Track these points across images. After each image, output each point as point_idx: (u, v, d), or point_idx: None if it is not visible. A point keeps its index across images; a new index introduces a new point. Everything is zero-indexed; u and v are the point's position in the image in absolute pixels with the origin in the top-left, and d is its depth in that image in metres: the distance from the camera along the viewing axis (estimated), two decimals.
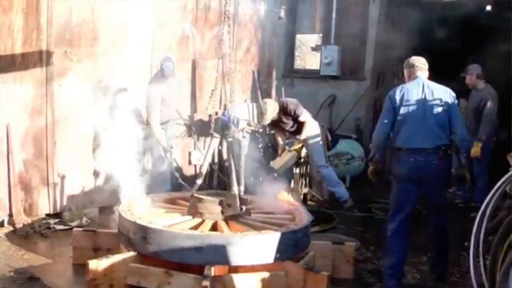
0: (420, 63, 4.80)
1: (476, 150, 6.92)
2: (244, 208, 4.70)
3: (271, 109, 6.90)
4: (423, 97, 4.65)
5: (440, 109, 4.65)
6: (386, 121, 4.72)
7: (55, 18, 5.99)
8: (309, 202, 7.85)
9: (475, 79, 7.23)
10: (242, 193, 4.87)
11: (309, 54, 14.03)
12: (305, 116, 7.04)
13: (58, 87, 6.05)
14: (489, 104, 7.04)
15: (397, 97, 4.66)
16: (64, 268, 4.74)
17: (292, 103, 7.03)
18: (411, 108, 4.65)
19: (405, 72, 4.86)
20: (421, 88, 4.67)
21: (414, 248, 5.69)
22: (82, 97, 6.19)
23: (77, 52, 6.18)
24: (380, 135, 4.75)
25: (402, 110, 4.65)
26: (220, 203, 4.63)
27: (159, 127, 6.45)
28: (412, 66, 4.80)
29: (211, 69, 7.54)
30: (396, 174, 4.77)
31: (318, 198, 8.03)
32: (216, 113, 6.77)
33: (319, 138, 7.18)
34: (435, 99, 4.66)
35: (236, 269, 4.30)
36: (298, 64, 13.44)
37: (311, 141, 7.11)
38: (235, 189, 4.72)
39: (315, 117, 8.64)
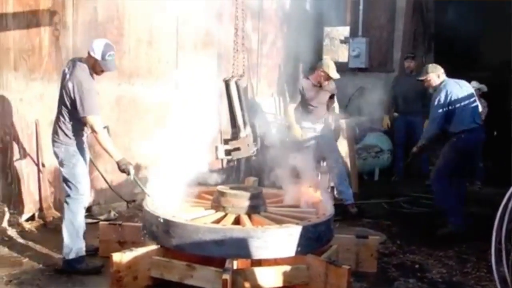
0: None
1: None
2: (255, 150, 4.86)
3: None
4: (461, 94, 6.01)
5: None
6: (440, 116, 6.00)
7: (81, 16, 6.12)
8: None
9: None
10: (248, 135, 4.92)
11: (342, 47, 13.95)
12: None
13: None
14: None
15: (446, 97, 5.96)
16: (91, 260, 4.83)
17: None
18: (457, 104, 5.97)
19: (434, 75, 6.16)
20: (458, 86, 6.07)
21: (439, 243, 5.68)
22: (108, 94, 6.31)
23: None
24: (437, 126, 6.05)
25: (451, 106, 5.95)
26: (226, 143, 4.95)
27: (106, 134, 4.81)
28: (440, 70, 6.19)
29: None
30: (459, 148, 5.99)
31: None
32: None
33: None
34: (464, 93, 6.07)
35: (258, 263, 4.34)
36: (331, 57, 13.36)
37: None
38: (242, 133, 4.79)
39: (344, 109, 8.65)
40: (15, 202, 5.77)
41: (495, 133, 9.29)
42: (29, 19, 5.76)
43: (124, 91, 6.61)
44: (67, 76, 4.67)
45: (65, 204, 4.76)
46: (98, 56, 4.65)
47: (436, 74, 6.11)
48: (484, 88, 8.42)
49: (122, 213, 6.42)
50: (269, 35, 8.34)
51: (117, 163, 4.69)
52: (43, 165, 5.88)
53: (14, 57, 5.71)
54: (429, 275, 4.87)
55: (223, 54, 7.57)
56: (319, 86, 6.82)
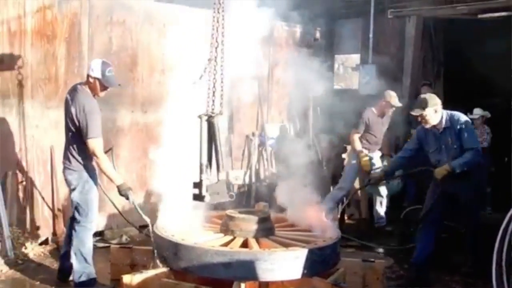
0: None
1: None
2: (234, 195, 4.47)
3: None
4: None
5: None
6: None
7: (96, 46, 6.33)
8: (347, 221, 7.88)
9: None
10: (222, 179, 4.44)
11: (355, 75, 14.13)
12: None
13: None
14: None
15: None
16: (103, 283, 4.93)
17: None
18: None
19: (432, 110, 5.33)
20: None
21: (447, 267, 5.68)
22: (122, 121, 6.48)
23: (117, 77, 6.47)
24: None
25: None
26: (207, 189, 4.34)
27: (107, 158, 4.90)
28: (437, 102, 5.41)
29: (248, 90, 7.75)
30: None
31: (356, 217, 8.05)
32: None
33: None
34: None
35: (266, 285, 4.41)
36: (345, 84, 13.54)
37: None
38: (221, 175, 4.39)
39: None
40: (29, 226, 5.91)
41: (506, 159, 9.28)
42: (46, 49, 6.00)
43: (137, 118, 6.77)
44: (70, 103, 4.75)
45: (73, 231, 4.84)
46: (98, 75, 4.73)
47: (433, 109, 5.34)
48: (487, 114, 8.49)
49: (134, 237, 6.52)
50: (280, 63, 8.50)
51: (118, 188, 4.80)
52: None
53: (32, 85, 5.93)
54: None
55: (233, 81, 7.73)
56: (382, 116, 7.32)
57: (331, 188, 7.65)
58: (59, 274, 5.12)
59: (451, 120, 5.36)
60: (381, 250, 6.44)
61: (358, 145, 7.28)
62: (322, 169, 8.09)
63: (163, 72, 6.99)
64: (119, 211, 5.70)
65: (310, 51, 8.99)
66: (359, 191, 7.91)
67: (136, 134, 6.82)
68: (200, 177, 4.28)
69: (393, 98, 7.22)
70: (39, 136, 5.99)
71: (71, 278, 4.95)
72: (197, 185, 4.32)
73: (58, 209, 6.08)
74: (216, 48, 4.25)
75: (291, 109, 8.69)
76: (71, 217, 4.99)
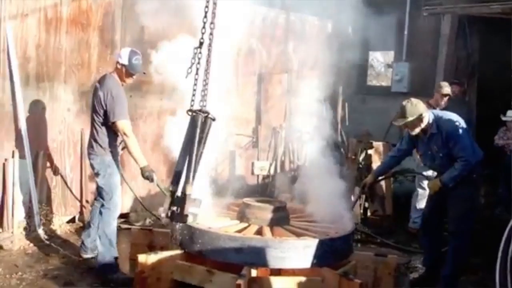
0: None
1: None
2: (193, 216, 3.74)
3: None
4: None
5: None
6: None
7: (129, 35, 6.54)
8: (371, 217, 7.90)
9: None
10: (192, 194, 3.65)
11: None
12: None
13: (129, 98, 6.54)
14: None
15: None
16: (122, 262, 5.13)
17: None
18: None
19: (416, 119, 4.91)
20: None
21: (464, 268, 5.66)
22: (152, 107, 6.68)
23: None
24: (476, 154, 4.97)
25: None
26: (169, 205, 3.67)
27: (136, 139, 4.98)
28: (420, 109, 4.94)
29: (277, 83, 7.85)
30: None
31: (380, 213, 8.05)
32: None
33: None
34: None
35: (278, 272, 4.51)
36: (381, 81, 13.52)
37: None
38: (188, 188, 3.62)
39: (385, 134, 8.72)
40: (58, 205, 6.19)
41: None
42: (80, 36, 6.25)
43: (165, 105, 6.94)
44: (98, 87, 4.95)
45: (98, 214, 5.03)
46: (125, 61, 4.94)
47: (416, 118, 4.88)
48: None
49: (158, 220, 6.70)
50: (310, 57, 8.56)
51: (141, 169, 4.90)
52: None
53: (65, 70, 6.18)
54: None
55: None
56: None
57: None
58: (81, 250, 5.33)
59: (438, 126, 4.94)
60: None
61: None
62: (348, 165, 8.11)
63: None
64: (139, 200, 5.86)
65: (340, 46, 9.00)
66: (384, 187, 7.90)
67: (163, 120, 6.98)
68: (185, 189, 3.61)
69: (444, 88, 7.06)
70: (71, 119, 6.25)
71: (91, 255, 5.17)
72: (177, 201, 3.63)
73: (86, 190, 6.32)
74: (203, 34, 3.58)
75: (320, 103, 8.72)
76: (95, 199, 5.23)
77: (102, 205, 4.99)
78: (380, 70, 15.57)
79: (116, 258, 5.03)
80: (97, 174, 5.00)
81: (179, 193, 3.62)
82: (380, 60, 15.10)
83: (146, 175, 4.91)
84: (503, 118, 8.55)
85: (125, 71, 4.99)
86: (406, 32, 10.12)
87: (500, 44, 9.42)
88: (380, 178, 5.86)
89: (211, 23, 3.59)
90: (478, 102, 10.03)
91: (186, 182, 3.60)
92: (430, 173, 6.20)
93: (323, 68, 8.79)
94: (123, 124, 4.83)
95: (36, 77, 6.03)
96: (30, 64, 5.98)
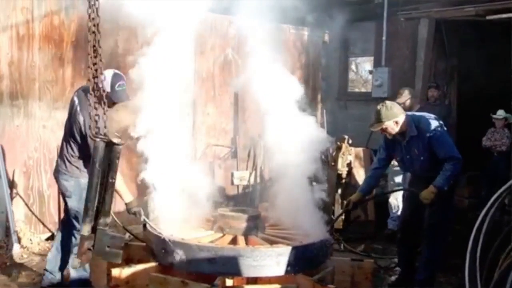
0: None
1: None
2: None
3: None
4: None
5: None
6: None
7: (103, 50, 6.52)
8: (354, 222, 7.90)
9: None
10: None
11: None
12: None
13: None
14: None
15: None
16: (99, 277, 5.07)
17: None
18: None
19: (391, 123, 4.85)
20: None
21: (448, 270, 5.67)
22: (128, 121, 6.66)
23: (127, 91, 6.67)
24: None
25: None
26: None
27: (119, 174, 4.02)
28: (396, 112, 4.89)
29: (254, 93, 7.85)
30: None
31: (362, 219, 8.07)
32: None
33: None
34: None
35: (254, 281, 4.51)
36: (363, 87, 13.58)
37: None
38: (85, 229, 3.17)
39: (367, 140, 8.74)
40: (36, 222, 6.16)
41: None
42: (53, 53, 6.25)
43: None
44: (77, 108, 4.46)
45: (73, 238, 4.61)
46: (107, 88, 4.20)
47: (393, 121, 4.81)
48: (511, 118, 8.37)
49: (138, 235, 6.67)
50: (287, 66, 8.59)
51: (127, 205, 4.63)
52: None
53: (39, 87, 6.18)
54: None
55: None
56: None
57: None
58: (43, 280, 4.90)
59: (419, 128, 4.84)
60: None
61: None
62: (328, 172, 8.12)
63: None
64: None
65: (317, 54, 9.07)
66: None
67: None
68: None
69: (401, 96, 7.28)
70: (46, 136, 6.24)
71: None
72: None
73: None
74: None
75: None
76: (63, 220, 4.92)
77: (78, 230, 4.44)
78: (367, 77, 15.66)
79: (90, 283, 4.82)
80: (69, 197, 4.57)
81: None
82: (367, 68, 15.19)
83: (133, 211, 4.64)
84: (493, 117, 8.63)
85: (108, 99, 3.98)
86: (384, 38, 10.17)
87: (478, 46, 9.51)
88: (367, 198, 5.68)
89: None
90: (459, 104, 10.09)
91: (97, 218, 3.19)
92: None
93: (300, 76, 8.87)
94: None
95: (10, 94, 6.03)
96: (4, 82, 5.99)
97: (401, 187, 5.40)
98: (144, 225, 4.97)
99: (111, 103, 4.41)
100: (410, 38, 9.95)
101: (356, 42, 11.08)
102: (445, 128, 4.96)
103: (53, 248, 4.91)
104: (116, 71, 4.59)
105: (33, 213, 6.18)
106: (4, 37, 5.90)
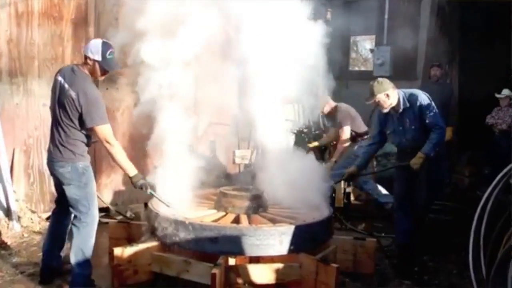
0: None
1: None
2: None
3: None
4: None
5: None
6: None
7: (102, 27, 6.47)
8: (354, 202, 7.91)
9: None
10: None
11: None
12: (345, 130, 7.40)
13: (105, 91, 6.49)
14: None
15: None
16: (100, 256, 5.10)
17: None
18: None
19: (382, 96, 5.23)
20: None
21: (447, 249, 5.70)
22: (127, 101, 6.62)
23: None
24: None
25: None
26: None
27: (120, 147, 4.38)
28: (387, 86, 5.28)
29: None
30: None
31: (363, 198, 8.07)
32: None
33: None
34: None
35: (257, 260, 4.50)
36: (363, 66, 13.48)
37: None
38: None
39: (369, 118, 8.67)
40: (37, 201, 6.14)
41: None
42: (53, 30, 6.17)
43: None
44: (66, 86, 4.23)
45: (74, 229, 4.39)
46: (98, 57, 4.22)
47: (384, 94, 5.20)
48: None
49: (139, 213, 6.68)
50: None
51: (131, 179, 4.44)
52: None
53: (38, 65, 6.11)
54: (426, 278, 4.92)
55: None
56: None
57: None
58: (43, 275, 4.67)
59: (410, 100, 5.25)
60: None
61: None
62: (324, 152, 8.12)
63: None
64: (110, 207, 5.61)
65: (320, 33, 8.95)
66: None
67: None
68: None
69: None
70: (47, 115, 6.12)
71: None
72: None
73: None
74: None
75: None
76: (54, 212, 4.72)
77: (79, 219, 4.36)
78: (367, 56, 15.57)
79: (92, 280, 4.59)
80: (68, 184, 4.31)
81: None
82: (368, 47, 15.09)
83: (140, 185, 4.46)
84: (497, 96, 8.69)
85: (99, 68, 4.29)
86: (386, 16, 10.09)
87: (481, 26, 9.45)
88: (362, 172, 5.97)
89: None
90: (461, 84, 10.06)
91: None
92: None
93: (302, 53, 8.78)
94: (103, 130, 4.21)
95: (9, 72, 5.95)
96: (3, 60, 5.90)
97: (398, 163, 5.54)
98: (146, 204, 4.99)
99: (103, 72, 4.37)
100: (413, 17, 9.88)
101: (357, 21, 10.99)
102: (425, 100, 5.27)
103: (47, 241, 4.71)
104: (104, 39, 4.44)
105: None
106: (2, 13, 5.81)
